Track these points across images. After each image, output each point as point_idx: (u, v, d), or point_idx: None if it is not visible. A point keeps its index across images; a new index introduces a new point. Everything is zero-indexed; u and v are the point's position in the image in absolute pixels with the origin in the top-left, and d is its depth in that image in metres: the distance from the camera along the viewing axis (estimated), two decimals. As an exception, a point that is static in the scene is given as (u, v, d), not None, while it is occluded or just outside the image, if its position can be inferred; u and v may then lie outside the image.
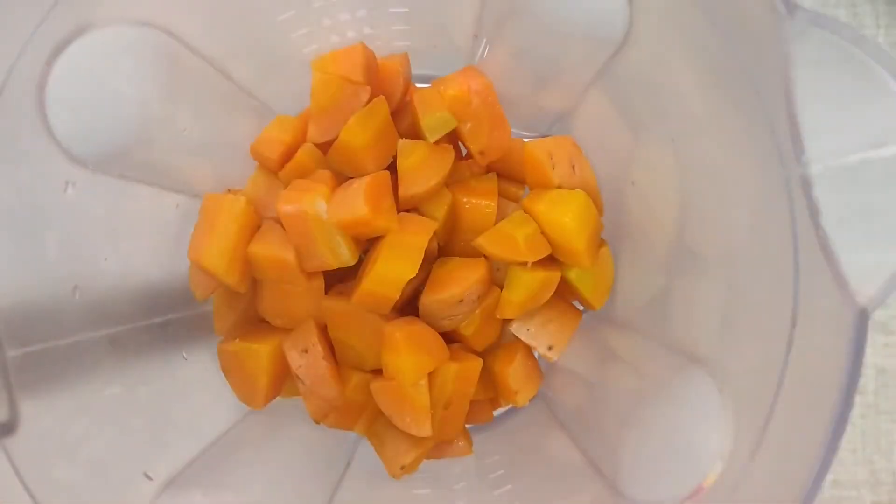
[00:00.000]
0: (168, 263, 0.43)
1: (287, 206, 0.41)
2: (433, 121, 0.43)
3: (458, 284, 0.43)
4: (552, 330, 0.48)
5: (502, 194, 0.47)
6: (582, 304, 0.49)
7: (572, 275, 0.48)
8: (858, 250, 0.24)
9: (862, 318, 0.23)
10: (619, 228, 0.48)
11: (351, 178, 0.44)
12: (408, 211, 0.43)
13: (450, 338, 0.46)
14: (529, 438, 0.48)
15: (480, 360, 0.47)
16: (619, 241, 0.48)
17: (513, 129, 0.45)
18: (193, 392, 0.43)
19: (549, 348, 0.48)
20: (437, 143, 0.44)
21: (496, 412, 0.50)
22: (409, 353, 0.41)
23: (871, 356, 0.49)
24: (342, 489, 0.44)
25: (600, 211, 0.47)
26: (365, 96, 0.42)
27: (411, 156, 0.43)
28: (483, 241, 0.45)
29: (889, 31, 0.49)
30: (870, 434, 0.49)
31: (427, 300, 0.44)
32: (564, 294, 0.49)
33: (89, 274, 0.37)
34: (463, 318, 0.45)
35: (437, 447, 0.47)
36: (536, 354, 0.49)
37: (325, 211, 0.41)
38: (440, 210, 0.44)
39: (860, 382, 0.24)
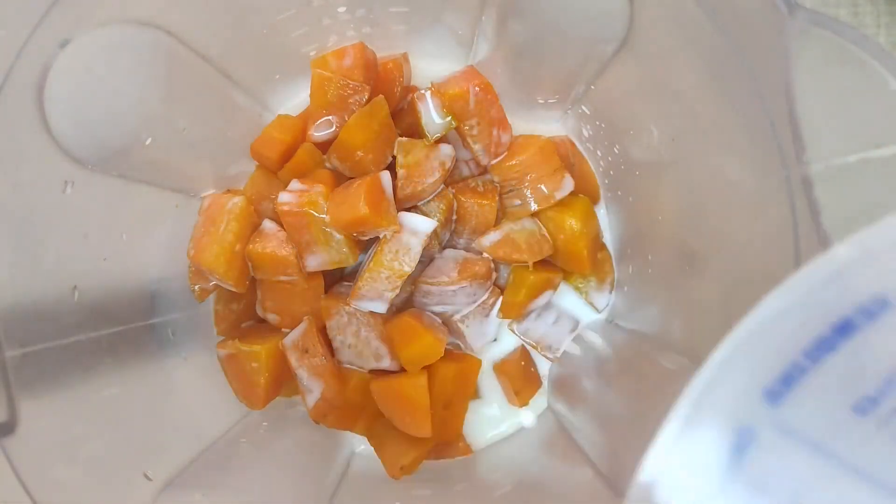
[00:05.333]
0: (168, 263, 0.43)
1: (287, 206, 0.41)
2: (433, 121, 0.43)
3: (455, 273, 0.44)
4: (553, 331, 0.48)
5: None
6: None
7: (574, 277, 0.48)
8: (859, 250, 0.24)
9: (863, 319, 0.23)
10: (619, 230, 0.48)
11: (351, 177, 0.44)
12: (408, 210, 0.43)
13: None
14: (529, 439, 0.48)
15: (480, 360, 0.47)
16: (619, 243, 0.48)
17: (513, 129, 0.45)
18: (193, 392, 0.43)
19: (550, 349, 0.48)
20: (437, 142, 0.44)
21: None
22: (427, 333, 0.42)
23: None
24: (342, 489, 0.44)
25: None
26: (365, 96, 0.42)
27: (410, 154, 0.43)
28: (484, 241, 0.45)
29: (890, 31, 0.49)
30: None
31: (421, 283, 0.44)
32: (565, 296, 0.49)
33: (88, 274, 0.37)
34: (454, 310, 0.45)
35: (437, 448, 0.46)
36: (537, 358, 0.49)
37: (326, 211, 0.41)
38: (440, 209, 0.44)
39: (861, 383, 0.24)
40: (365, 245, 0.43)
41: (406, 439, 0.44)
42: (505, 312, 0.46)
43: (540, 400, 0.49)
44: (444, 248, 0.46)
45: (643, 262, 0.45)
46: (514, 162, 0.44)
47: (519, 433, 0.48)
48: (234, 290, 0.43)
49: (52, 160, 0.34)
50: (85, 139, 0.35)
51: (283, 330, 0.45)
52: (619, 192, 0.47)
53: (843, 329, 0.18)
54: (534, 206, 0.44)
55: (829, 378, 0.18)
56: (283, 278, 0.43)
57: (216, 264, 0.41)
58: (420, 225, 0.41)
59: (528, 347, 0.49)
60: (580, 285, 0.48)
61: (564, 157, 0.46)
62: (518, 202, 0.45)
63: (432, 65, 0.48)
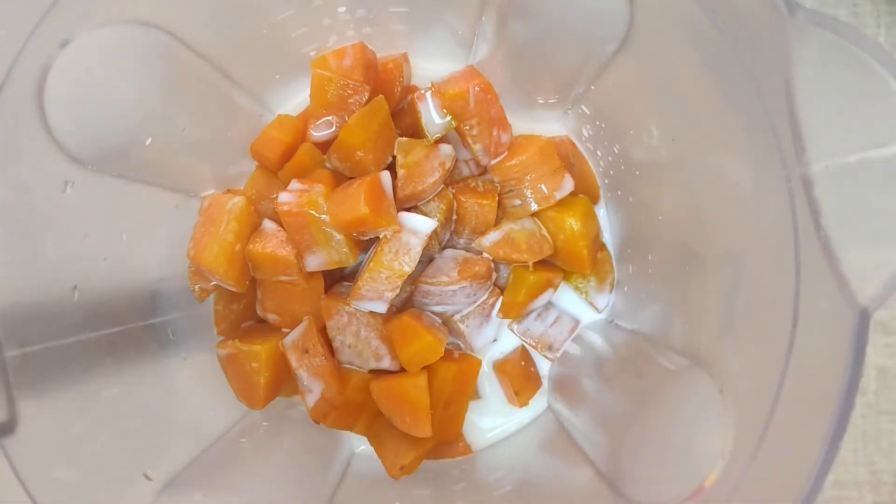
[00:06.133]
0: (167, 263, 0.43)
1: (287, 206, 0.41)
2: (433, 121, 0.43)
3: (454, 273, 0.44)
4: (552, 331, 0.48)
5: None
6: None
7: (574, 277, 0.48)
8: (859, 250, 0.24)
9: (863, 319, 0.23)
10: (619, 230, 0.48)
11: (351, 177, 0.44)
12: (408, 210, 0.43)
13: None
14: (529, 439, 0.48)
15: (480, 360, 0.47)
16: (619, 243, 0.48)
17: (513, 129, 0.45)
18: (193, 392, 0.43)
19: (550, 348, 0.48)
20: (437, 142, 0.44)
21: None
22: (427, 333, 0.42)
23: (872, 356, 0.49)
24: (342, 489, 0.44)
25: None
26: (365, 96, 0.42)
27: (410, 154, 0.43)
28: (484, 241, 0.45)
29: (890, 31, 0.49)
30: (871, 434, 0.49)
31: (421, 283, 0.44)
32: (565, 296, 0.49)
33: (88, 274, 0.37)
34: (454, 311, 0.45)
35: (437, 447, 0.46)
36: (537, 358, 0.49)
37: (326, 211, 0.41)
38: (440, 209, 0.44)
39: (861, 383, 0.24)
40: (365, 245, 0.43)
41: (406, 439, 0.44)
42: (505, 312, 0.46)
43: (540, 400, 0.49)
44: (444, 247, 0.46)
45: (643, 262, 0.45)
46: (514, 162, 0.44)
47: (519, 433, 0.48)
48: (234, 290, 0.43)
49: (52, 160, 0.34)
50: (85, 139, 0.35)
51: (283, 330, 0.45)
52: (619, 192, 0.47)
53: None
54: (534, 206, 0.44)
55: None
56: (283, 278, 0.43)
57: (216, 264, 0.41)
58: (420, 225, 0.41)
59: (528, 347, 0.49)
60: (580, 285, 0.48)
61: (564, 157, 0.46)
62: (518, 202, 0.45)
63: (432, 65, 0.48)
